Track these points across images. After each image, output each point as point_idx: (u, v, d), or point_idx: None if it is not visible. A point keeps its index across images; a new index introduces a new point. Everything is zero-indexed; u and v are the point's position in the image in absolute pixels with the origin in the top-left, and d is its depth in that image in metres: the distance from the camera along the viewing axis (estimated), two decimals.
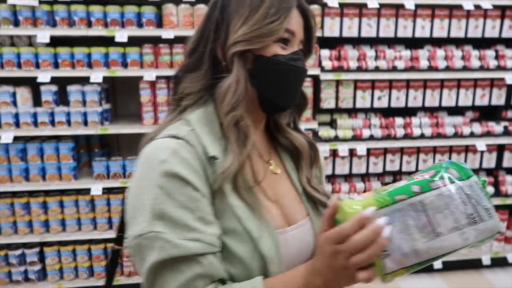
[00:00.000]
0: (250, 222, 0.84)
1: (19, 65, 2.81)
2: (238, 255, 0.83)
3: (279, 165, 1.01)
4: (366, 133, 3.16)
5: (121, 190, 3.04)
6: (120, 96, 3.44)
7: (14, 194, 2.97)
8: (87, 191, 2.98)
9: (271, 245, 0.85)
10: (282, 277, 0.83)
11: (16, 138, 2.85)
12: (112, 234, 3.04)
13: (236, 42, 0.86)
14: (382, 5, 3.03)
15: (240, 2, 0.89)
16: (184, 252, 0.77)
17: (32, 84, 2.84)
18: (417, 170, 3.38)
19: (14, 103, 2.85)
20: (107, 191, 3.02)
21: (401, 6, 3.03)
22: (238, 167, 0.84)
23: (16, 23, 2.78)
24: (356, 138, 3.15)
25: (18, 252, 2.98)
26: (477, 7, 3.09)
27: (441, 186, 0.73)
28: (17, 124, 2.86)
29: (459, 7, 3.09)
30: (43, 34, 2.73)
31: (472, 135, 3.28)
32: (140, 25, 2.87)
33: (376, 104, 3.21)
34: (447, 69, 3.15)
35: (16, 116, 2.85)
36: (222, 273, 0.82)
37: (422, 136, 3.23)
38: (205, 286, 0.79)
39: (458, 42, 3.29)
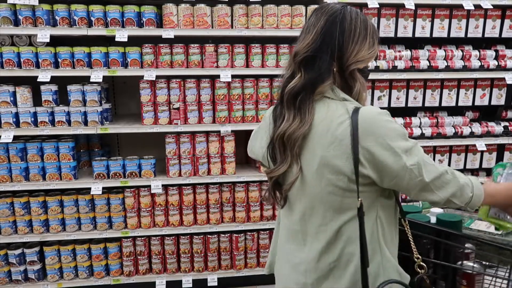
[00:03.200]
0: None
1: (19, 65, 2.81)
2: None
3: None
4: None
5: (121, 189, 3.04)
6: (120, 96, 3.44)
7: (14, 194, 2.97)
8: (87, 190, 2.98)
9: None
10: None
11: (16, 138, 2.85)
12: (112, 234, 3.04)
13: (357, 61, 1.26)
14: (382, 5, 3.03)
15: (353, 31, 1.26)
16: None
17: (32, 83, 2.84)
18: None
19: (14, 103, 2.85)
20: (107, 190, 3.02)
21: (401, 6, 3.03)
22: None
23: (16, 23, 2.78)
24: None
25: (18, 251, 2.98)
26: (477, 7, 3.09)
27: None
28: (17, 124, 2.86)
29: (459, 7, 3.09)
30: (43, 34, 2.73)
31: (472, 135, 3.28)
32: (140, 24, 2.87)
33: (376, 104, 3.21)
34: (447, 69, 3.15)
35: (16, 115, 2.85)
36: None
37: (422, 136, 3.23)
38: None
39: (458, 42, 3.29)
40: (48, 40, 2.74)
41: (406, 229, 1.30)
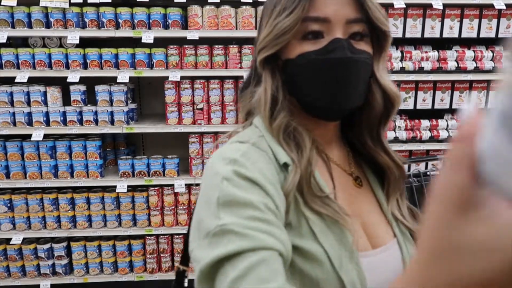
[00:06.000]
0: (327, 241, 0.70)
1: (50, 66, 2.90)
2: (313, 277, 0.68)
3: (363, 179, 0.86)
4: (390, 135, 3.11)
5: (145, 188, 3.09)
6: (146, 96, 3.50)
7: (44, 190, 3.07)
8: (112, 188, 3.05)
9: (353, 270, 0.70)
10: None
11: (46, 136, 2.94)
12: (136, 231, 3.10)
13: (258, 51, 0.79)
14: (408, 5, 2.97)
15: (263, 9, 0.82)
16: (256, 245, 0.61)
17: (62, 83, 2.93)
18: None
19: (45, 102, 2.95)
20: (132, 189, 3.08)
21: (429, 6, 2.97)
22: (300, 174, 0.72)
23: (48, 25, 2.87)
24: None
25: (47, 246, 3.08)
26: (509, 6, 2.99)
27: None
28: (47, 123, 2.95)
29: (490, 6, 3.00)
30: (73, 36, 2.81)
31: None
32: (166, 26, 2.91)
33: (402, 106, 3.15)
34: (476, 70, 3.06)
35: (47, 114, 2.95)
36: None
37: (449, 139, 3.15)
38: None
39: (488, 43, 3.19)
40: (77, 41, 2.82)
41: None
